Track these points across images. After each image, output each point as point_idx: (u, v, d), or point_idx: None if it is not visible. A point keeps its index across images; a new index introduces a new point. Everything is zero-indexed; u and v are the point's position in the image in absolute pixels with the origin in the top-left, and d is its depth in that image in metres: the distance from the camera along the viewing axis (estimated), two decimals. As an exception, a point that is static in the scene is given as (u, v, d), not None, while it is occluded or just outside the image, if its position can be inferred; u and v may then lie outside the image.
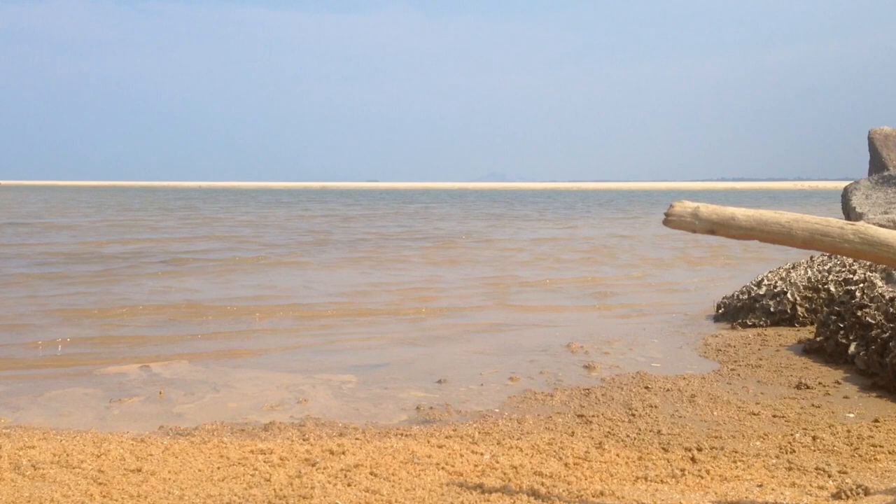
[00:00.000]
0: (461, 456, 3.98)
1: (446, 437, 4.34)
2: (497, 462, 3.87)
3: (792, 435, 4.30)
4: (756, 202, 56.97)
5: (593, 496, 3.42)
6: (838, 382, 5.47)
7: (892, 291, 6.19)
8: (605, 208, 48.77)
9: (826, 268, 8.09)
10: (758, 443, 4.19)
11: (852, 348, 5.87)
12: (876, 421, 4.56)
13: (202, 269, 13.58)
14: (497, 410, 5.01)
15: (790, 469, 3.77)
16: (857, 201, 10.26)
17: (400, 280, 12.28)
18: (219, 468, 3.79)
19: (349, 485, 3.56)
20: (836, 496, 3.39)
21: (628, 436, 4.35)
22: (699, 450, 4.05)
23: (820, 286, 7.72)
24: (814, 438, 4.22)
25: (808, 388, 5.36)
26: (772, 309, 7.75)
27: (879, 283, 6.62)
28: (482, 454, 4.01)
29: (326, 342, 7.50)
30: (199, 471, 3.75)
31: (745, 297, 8.12)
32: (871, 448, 4.05)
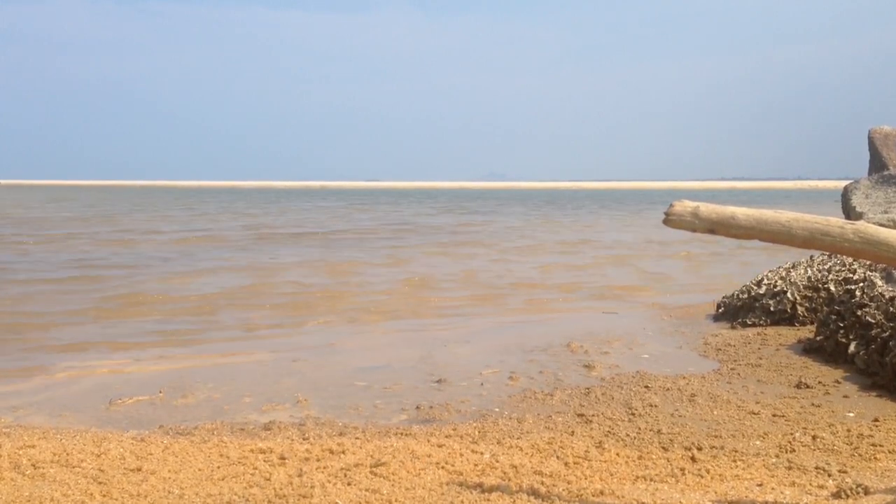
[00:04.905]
0: (461, 455, 3.98)
1: (446, 437, 4.34)
2: (497, 461, 3.87)
3: (792, 434, 4.30)
4: (756, 202, 56.81)
5: (593, 495, 3.42)
6: (838, 382, 5.47)
7: (892, 291, 6.19)
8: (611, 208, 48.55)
9: (826, 267, 8.08)
10: (758, 442, 4.19)
11: (852, 348, 5.86)
12: (876, 420, 4.56)
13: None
14: (497, 410, 5.01)
15: (790, 468, 3.76)
16: (856, 200, 10.25)
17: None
18: (219, 467, 3.79)
19: (349, 484, 3.56)
20: (836, 495, 3.39)
21: (628, 435, 4.35)
22: (699, 449, 4.05)
23: (820, 285, 7.71)
24: (814, 438, 4.22)
25: (808, 387, 5.36)
26: (772, 308, 7.75)
27: (879, 283, 6.61)
28: (482, 453, 4.01)
29: (326, 343, 7.50)
30: (199, 470, 3.75)
31: (745, 296, 8.12)
32: (871, 447, 4.05)
